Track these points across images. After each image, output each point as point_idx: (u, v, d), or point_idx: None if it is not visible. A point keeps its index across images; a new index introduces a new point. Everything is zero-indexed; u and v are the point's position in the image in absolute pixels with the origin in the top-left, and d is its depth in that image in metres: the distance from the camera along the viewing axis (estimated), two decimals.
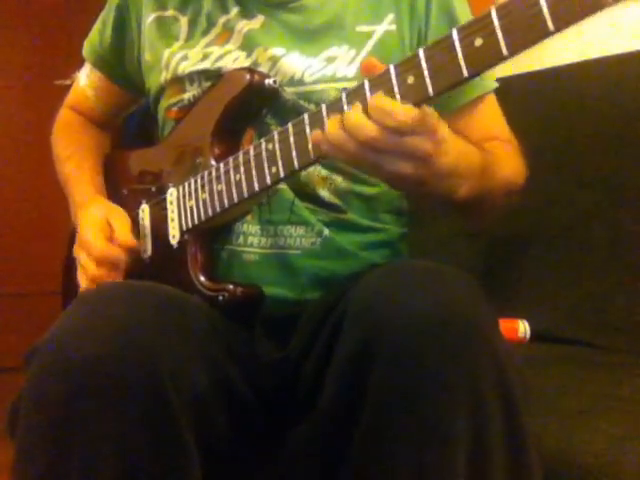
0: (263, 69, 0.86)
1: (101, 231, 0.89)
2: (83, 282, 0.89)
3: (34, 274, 2.82)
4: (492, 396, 0.59)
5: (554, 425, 0.75)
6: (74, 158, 1.05)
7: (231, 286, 0.82)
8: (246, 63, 0.87)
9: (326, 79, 0.86)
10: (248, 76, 0.84)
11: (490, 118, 0.93)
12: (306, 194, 0.86)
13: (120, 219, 0.91)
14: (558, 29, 0.54)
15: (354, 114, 0.64)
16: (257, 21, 0.89)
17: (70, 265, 1.10)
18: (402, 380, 0.59)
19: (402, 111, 0.62)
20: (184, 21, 0.93)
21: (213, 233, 0.87)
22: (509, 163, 0.85)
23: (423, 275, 0.65)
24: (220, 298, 0.81)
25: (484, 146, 0.78)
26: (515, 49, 0.57)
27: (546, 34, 0.55)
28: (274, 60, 0.86)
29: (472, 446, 0.58)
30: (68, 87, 1.16)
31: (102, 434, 0.58)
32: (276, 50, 0.87)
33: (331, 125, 0.66)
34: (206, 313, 0.74)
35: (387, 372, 0.59)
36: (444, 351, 0.58)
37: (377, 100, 0.63)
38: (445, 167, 0.66)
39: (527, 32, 0.56)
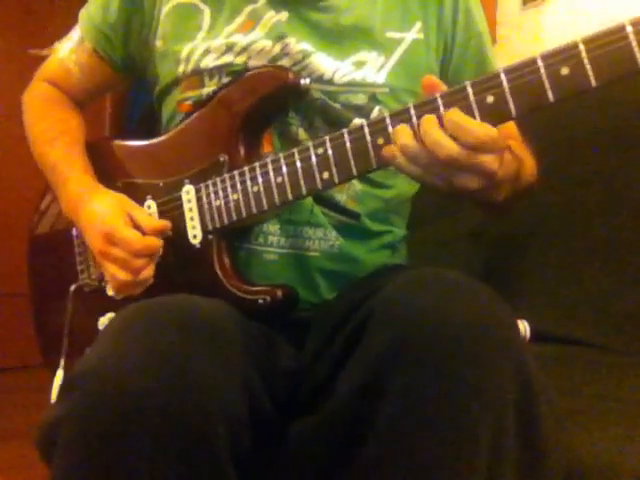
0: (291, 61, 0.85)
1: (126, 223, 0.83)
2: (124, 275, 0.83)
3: None
4: (514, 409, 0.59)
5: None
6: (60, 141, 0.96)
7: (269, 289, 0.80)
8: (274, 52, 0.85)
9: (356, 83, 0.86)
10: (289, 75, 0.81)
11: None
12: (322, 198, 0.85)
13: (138, 208, 0.87)
14: None
15: (434, 131, 0.65)
16: (282, 15, 0.87)
17: (34, 267, 1.10)
18: (430, 382, 0.58)
19: (484, 130, 0.64)
20: (207, 11, 0.89)
21: (236, 233, 0.85)
22: (529, 164, 0.88)
23: (454, 284, 0.64)
24: (260, 302, 0.80)
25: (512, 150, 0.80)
26: (604, 81, 0.59)
27: (637, 69, 0.58)
28: (304, 53, 0.85)
29: (491, 452, 0.57)
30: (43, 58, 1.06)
31: (144, 474, 0.56)
32: (305, 45, 0.85)
33: (406, 137, 0.67)
34: (236, 325, 0.72)
35: (415, 374, 0.58)
36: (476, 359, 0.58)
37: (458, 117, 0.65)
38: (499, 179, 0.69)
39: (616, 65, 0.59)
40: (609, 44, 0.59)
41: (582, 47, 0.60)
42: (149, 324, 0.64)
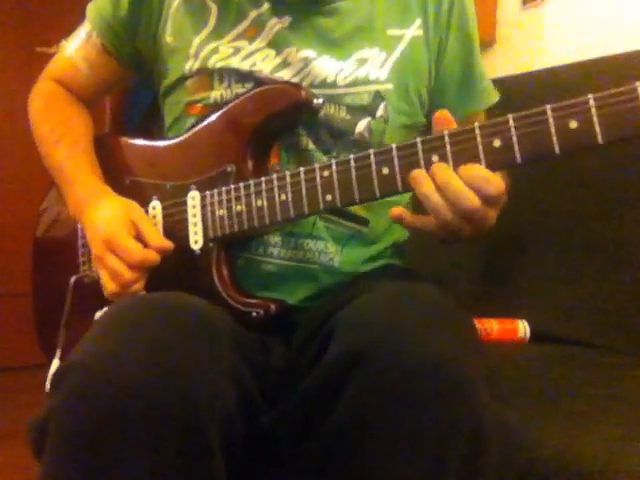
0: (293, 70, 0.86)
1: (129, 233, 0.83)
2: (113, 287, 0.83)
3: None
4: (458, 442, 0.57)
5: (554, 426, 0.75)
6: (65, 142, 0.96)
7: (263, 302, 0.82)
8: (275, 62, 0.86)
9: (359, 82, 0.86)
10: (302, 93, 0.82)
11: None
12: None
13: (146, 219, 0.86)
14: None
15: (455, 180, 0.66)
16: (286, 20, 0.88)
17: (39, 260, 1.07)
18: (377, 392, 0.58)
19: (500, 184, 0.65)
20: (214, 9, 0.90)
21: (236, 242, 0.85)
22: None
23: (419, 308, 0.64)
24: (254, 314, 0.81)
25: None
26: (610, 138, 0.60)
27: None
28: (306, 61, 0.86)
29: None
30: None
31: (136, 466, 0.55)
32: (307, 52, 0.86)
33: (427, 187, 0.68)
34: (230, 326, 0.73)
35: (365, 383, 0.58)
36: (425, 389, 0.57)
37: (479, 170, 0.65)
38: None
39: (624, 124, 0.59)
40: (619, 104, 0.60)
41: (592, 103, 0.61)
42: (145, 317, 0.64)
